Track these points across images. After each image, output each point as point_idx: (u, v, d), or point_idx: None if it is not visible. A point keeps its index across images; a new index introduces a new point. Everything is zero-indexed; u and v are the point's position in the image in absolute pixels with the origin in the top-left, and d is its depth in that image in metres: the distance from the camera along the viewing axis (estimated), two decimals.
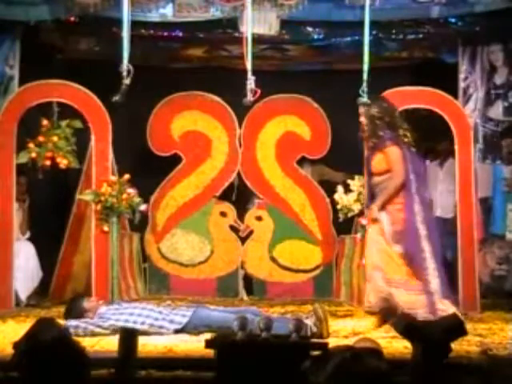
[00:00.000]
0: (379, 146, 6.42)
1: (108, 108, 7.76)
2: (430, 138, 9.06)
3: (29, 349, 3.08)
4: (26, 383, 2.80)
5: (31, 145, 7.89)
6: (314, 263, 9.12)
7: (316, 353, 3.69)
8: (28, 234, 8.35)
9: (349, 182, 8.30)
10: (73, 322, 5.94)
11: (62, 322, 5.77)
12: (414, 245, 6.22)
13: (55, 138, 7.93)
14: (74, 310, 6.21)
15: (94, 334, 5.85)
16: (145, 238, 9.19)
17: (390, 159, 6.35)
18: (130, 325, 5.79)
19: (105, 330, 5.88)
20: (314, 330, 5.78)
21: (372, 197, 6.57)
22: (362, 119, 6.50)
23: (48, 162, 7.90)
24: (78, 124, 7.99)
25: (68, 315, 6.23)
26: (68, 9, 7.69)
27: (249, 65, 6.70)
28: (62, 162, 7.93)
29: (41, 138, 7.92)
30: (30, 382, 2.78)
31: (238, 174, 9.14)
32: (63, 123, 8.00)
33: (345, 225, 8.66)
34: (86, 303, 6.24)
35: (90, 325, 5.95)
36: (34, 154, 7.85)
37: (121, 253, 8.10)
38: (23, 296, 7.92)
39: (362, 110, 6.53)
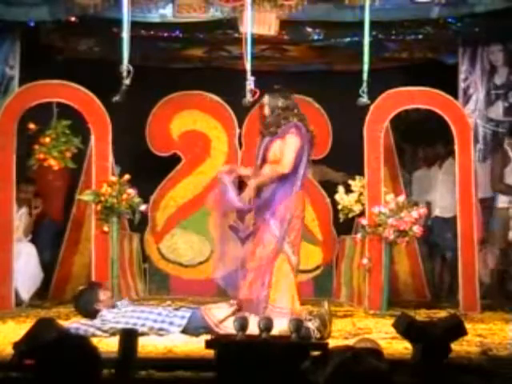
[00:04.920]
0: (282, 133, 6.18)
1: (108, 108, 7.76)
2: (426, 141, 9.10)
3: (29, 349, 3.08)
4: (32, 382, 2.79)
5: (36, 146, 7.93)
6: (314, 263, 9.12)
7: (316, 353, 3.69)
8: (30, 236, 8.36)
9: (349, 182, 8.31)
10: (74, 325, 5.93)
11: (62, 322, 5.77)
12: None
13: (47, 140, 7.96)
14: (88, 297, 6.19)
15: (94, 336, 5.84)
16: (145, 238, 9.19)
17: (286, 146, 6.13)
18: (129, 327, 5.77)
19: (105, 333, 5.88)
20: (318, 336, 5.72)
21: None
22: (266, 110, 6.24)
23: (46, 164, 7.95)
24: (63, 125, 8.00)
25: (79, 300, 6.23)
26: (68, 9, 7.70)
27: (248, 65, 6.70)
28: (52, 163, 7.95)
29: (42, 140, 7.97)
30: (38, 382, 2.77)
31: None
32: (53, 124, 8.03)
33: (345, 225, 8.67)
34: (102, 294, 6.21)
35: (91, 327, 5.94)
36: (42, 156, 7.94)
37: (121, 253, 8.10)
38: (26, 297, 7.91)
39: (266, 100, 6.26)
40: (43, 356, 2.76)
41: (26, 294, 7.91)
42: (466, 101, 8.59)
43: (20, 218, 8.04)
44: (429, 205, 8.61)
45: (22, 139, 7.84)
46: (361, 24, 7.04)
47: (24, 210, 8.17)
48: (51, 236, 8.70)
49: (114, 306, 6.17)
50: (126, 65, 6.73)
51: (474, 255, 7.75)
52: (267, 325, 4.17)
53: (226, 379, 3.52)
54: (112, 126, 7.86)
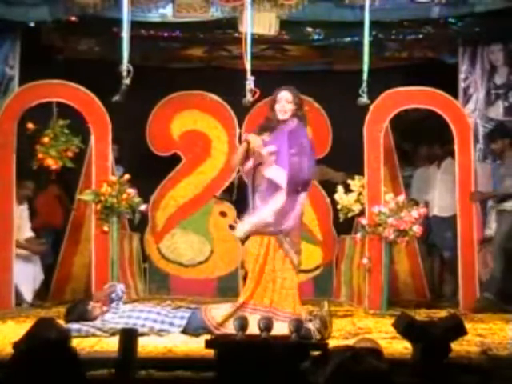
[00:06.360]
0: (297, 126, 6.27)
1: (108, 108, 7.76)
2: (426, 140, 9.09)
3: (29, 349, 3.08)
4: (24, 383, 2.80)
5: (37, 146, 7.94)
6: (314, 263, 9.12)
7: (316, 353, 3.69)
8: (30, 233, 8.35)
9: (349, 182, 8.31)
10: (74, 325, 5.91)
11: (62, 322, 5.77)
12: None
13: (46, 139, 7.97)
14: (77, 314, 6.17)
15: (94, 336, 5.84)
16: (145, 238, 9.19)
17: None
18: (129, 327, 5.76)
19: (105, 333, 5.87)
20: (318, 337, 5.71)
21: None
22: (291, 104, 6.22)
23: (45, 164, 7.97)
24: (61, 125, 8.01)
25: (70, 318, 6.19)
26: (68, 9, 7.70)
27: (248, 65, 6.69)
28: (49, 163, 7.97)
29: (42, 139, 7.98)
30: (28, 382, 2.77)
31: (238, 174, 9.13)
32: (51, 124, 8.04)
33: (345, 225, 8.66)
34: (90, 308, 6.18)
35: (92, 328, 5.93)
36: (41, 156, 7.94)
37: (121, 253, 8.10)
38: (28, 297, 7.89)
39: (290, 98, 6.22)
40: (20, 357, 2.77)
41: (27, 295, 7.90)
42: (466, 100, 8.59)
43: (21, 216, 8.03)
44: (427, 204, 8.61)
45: (23, 139, 7.85)
46: (361, 24, 7.03)
47: (24, 206, 8.14)
48: (51, 238, 8.69)
49: (105, 313, 6.14)
50: (125, 64, 6.72)
51: (473, 255, 7.76)
52: (267, 325, 4.17)
53: (226, 379, 3.52)
54: (112, 126, 7.86)
